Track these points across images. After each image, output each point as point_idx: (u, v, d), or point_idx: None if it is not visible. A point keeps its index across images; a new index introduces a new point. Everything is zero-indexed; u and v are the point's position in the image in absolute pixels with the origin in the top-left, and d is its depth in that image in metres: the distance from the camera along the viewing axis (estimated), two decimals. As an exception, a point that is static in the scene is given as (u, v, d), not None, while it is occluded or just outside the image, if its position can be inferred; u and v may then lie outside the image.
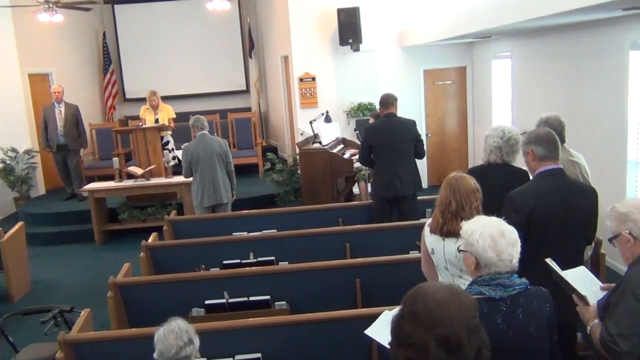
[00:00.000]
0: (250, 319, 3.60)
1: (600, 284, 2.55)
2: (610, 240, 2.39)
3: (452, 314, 1.44)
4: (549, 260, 2.57)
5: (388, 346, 1.57)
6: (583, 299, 2.45)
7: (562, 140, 4.12)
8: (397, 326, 1.50)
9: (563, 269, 2.59)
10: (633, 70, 5.20)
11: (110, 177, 8.34)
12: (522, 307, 2.13)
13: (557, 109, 5.19)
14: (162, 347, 2.56)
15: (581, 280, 2.55)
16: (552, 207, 3.00)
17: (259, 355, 3.46)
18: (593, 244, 4.07)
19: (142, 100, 9.50)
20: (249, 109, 11.89)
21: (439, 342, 1.41)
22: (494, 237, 2.14)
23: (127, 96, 12.28)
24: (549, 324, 2.19)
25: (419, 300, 1.48)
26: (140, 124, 8.45)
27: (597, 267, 4.11)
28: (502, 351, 2.07)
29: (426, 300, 1.47)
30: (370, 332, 2.73)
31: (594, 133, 5.79)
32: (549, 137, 3.13)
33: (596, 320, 2.35)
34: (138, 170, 7.79)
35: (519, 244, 2.17)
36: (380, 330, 2.60)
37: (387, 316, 2.67)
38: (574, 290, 2.49)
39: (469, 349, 1.43)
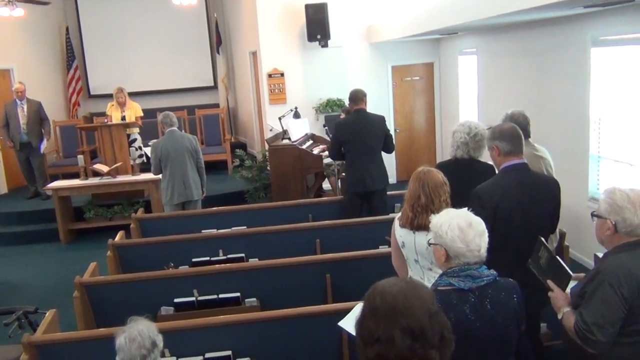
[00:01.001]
0: (220, 317, 3.58)
1: (569, 272, 2.60)
2: (593, 215, 2.42)
3: (411, 303, 1.48)
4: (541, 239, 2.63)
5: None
6: (562, 283, 2.49)
7: (527, 135, 4.21)
8: (360, 326, 1.54)
9: (528, 260, 2.64)
10: (594, 66, 5.33)
11: (75, 175, 8.17)
12: (490, 298, 2.18)
13: (522, 105, 5.30)
14: (125, 357, 2.49)
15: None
16: (516, 201, 3.06)
17: (229, 352, 3.45)
18: (558, 236, 4.18)
19: (108, 96, 9.34)
20: (217, 105, 11.79)
21: (403, 332, 1.45)
22: (462, 228, 2.18)
23: (92, 92, 12.05)
24: (517, 314, 2.23)
25: (377, 297, 1.52)
26: (106, 120, 8.30)
27: (562, 258, 4.20)
28: (471, 341, 2.12)
29: (384, 295, 1.51)
30: (343, 323, 2.74)
31: (557, 128, 5.92)
32: (514, 132, 3.19)
33: (568, 308, 2.40)
34: (104, 168, 7.66)
35: (486, 234, 2.22)
36: (353, 322, 2.62)
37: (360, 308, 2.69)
38: (546, 278, 2.54)
39: (432, 334, 1.48)
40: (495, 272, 2.24)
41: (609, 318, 2.20)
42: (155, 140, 6.50)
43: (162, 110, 6.71)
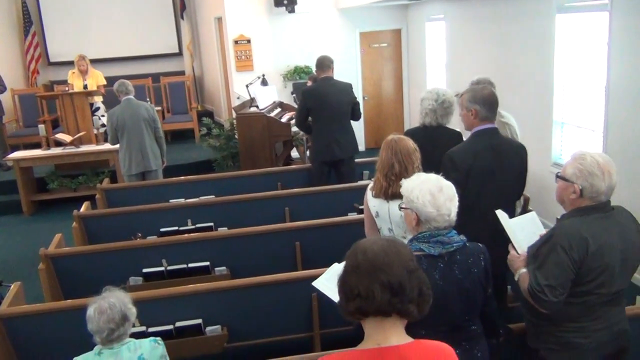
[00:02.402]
0: (190, 286, 3.58)
1: (544, 231, 2.66)
2: (557, 175, 2.45)
3: (391, 260, 1.55)
4: (498, 212, 2.67)
5: (335, 299, 1.65)
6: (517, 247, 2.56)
7: (493, 102, 4.26)
8: (342, 283, 1.61)
9: (497, 223, 2.70)
10: (559, 32, 5.38)
11: (36, 145, 7.98)
12: (459, 264, 2.23)
13: (489, 71, 5.34)
14: (94, 328, 2.48)
15: (529, 226, 2.66)
16: (487, 164, 3.13)
17: (199, 321, 3.46)
18: (522, 201, 4.28)
19: (68, 64, 9.06)
20: (182, 73, 11.56)
21: (382, 287, 1.52)
22: (433, 193, 2.21)
23: (51, 60, 11.63)
24: (484, 278, 2.29)
25: (359, 254, 1.58)
26: (67, 89, 8.06)
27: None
28: (439, 305, 2.17)
29: (365, 252, 1.58)
30: (317, 284, 2.77)
31: (523, 94, 5.99)
32: (493, 99, 3.26)
33: (524, 270, 2.47)
34: (67, 138, 7.47)
35: (456, 198, 2.25)
36: (328, 283, 2.65)
37: (335, 268, 2.71)
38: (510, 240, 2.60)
39: (410, 289, 1.55)
40: (464, 238, 2.28)
41: (560, 280, 2.28)
42: (111, 110, 6.31)
43: (126, 78, 6.54)
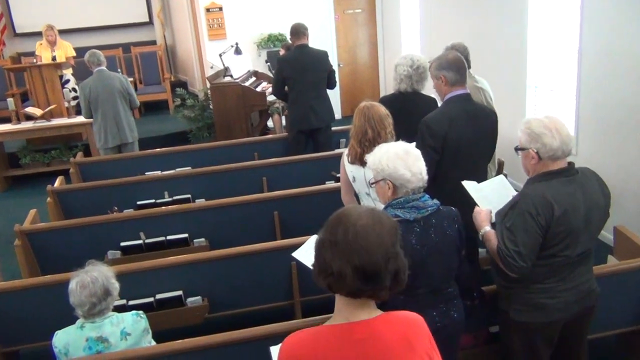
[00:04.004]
0: (169, 258, 3.58)
1: (515, 192, 2.72)
2: (516, 149, 2.51)
3: (371, 243, 1.47)
4: (464, 183, 2.73)
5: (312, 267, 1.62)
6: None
7: (468, 66, 4.27)
8: (318, 253, 1.54)
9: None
10: (533, -3, 5.38)
11: (6, 120, 7.76)
12: (434, 227, 2.28)
13: (463, 37, 5.32)
14: (76, 301, 2.48)
15: (498, 188, 2.71)
16: (462, 130, 3.16)
17: (180, 292, 3.47)
18: (497, 165, 4.33)
19: (36, 35, 8.79)
20: (154, 42, 11.29)
21: (355, 271, 1.46)
22: (400, 156, 2.28)
23: (18, 30, 11.25)
24: (458, 241, 2.36)
25: (340, 229, 1.50)
26: (35, 61, 7.85)
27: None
28: (417, 268, 2.22)
29: (347, 229, 1.49)
30: (297, 254, 2.79)
31: (497, 59, 6.01)
32: (459, 62, 3.24)
33: (489, 227, 2.54)
34: (37, 111, 7.30)
35: (422, 158, 2.32)
36: (307, 254, 2.67)
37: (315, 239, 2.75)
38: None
39: (385, 276, 1.49)
40: (437, 202, 2.33)
41: (529, 245, 2.34)
42: (83, 82, 6.13)
43: (95, 49, 6.37)
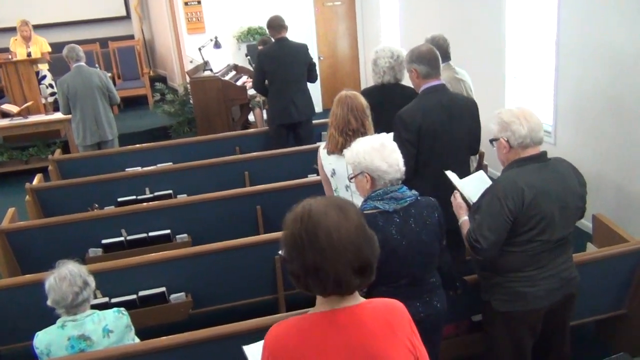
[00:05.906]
0: (152, 254, 3.56)
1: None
2: (490, 141, 2.57)
3: (357, 237, 1.47)
4: (448, 173, 2.76)
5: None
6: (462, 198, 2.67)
7: (448, 58, 4.29)
8: (284, 241, 1.52)
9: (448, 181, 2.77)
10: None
11: (-19, 118, 7.64)
12: (414, 217, 2.30)
13: (442, 28, 5.34)
14: (57, 296, 2.46)
15: (477, 183, 2.75)
16: (438, 121, 3.15)
17: (163, 289, 3.46)
18: (477, 156, 4.36)
19: (9, 30, 8.64)
20: (132, 37, 11.16)
21: (354, 271, 1.47)
22: (376, 148, 2.30)
23: (-9, 26, 11.07)
24: (438, 230, 2.38)
25: (320, 234, 1.46)
26: (10, 56, 7.71)
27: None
28: (398, 257, 2.25)
29: (329, 232, 1.45)
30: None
31: (476, 50, 6.04)
32: (431, 54, 3.23)
33: (466, 217, 2.58)
34: (13, 108, 7.20)
35: (398, 150, 2.34)
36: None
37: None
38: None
39: (346, 281, 1.48)
40: (416, 193, 2.35)
41: (494, 229, 2.37)
42: (61, 77, 6.00)
43: (72, 43, 6.27)
